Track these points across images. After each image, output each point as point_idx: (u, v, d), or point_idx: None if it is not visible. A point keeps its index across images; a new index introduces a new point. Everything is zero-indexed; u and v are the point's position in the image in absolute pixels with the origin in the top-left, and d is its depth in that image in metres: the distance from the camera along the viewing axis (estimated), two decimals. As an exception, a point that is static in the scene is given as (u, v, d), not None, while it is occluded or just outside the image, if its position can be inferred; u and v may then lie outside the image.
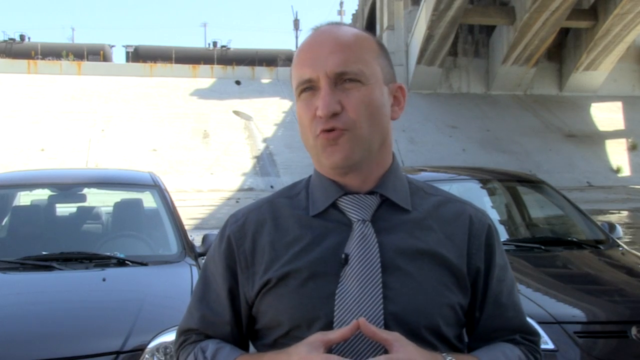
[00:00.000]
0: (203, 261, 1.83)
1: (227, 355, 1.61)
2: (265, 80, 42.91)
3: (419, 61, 40.67)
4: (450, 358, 1.51)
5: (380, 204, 1.64)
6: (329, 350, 1.46)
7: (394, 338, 1.44)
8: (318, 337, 1.45)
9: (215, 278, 1.70)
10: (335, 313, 1.51)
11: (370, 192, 1.64)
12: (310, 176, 1.74)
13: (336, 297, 1.52)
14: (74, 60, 43.31)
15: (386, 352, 1.44)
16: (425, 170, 7.78)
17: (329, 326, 1.50)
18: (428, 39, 38.81)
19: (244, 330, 1.69)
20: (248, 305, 1.64)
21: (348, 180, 1.63)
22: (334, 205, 1.64)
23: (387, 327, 1.49)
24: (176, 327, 1.80)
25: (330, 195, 1.64)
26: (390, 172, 1.67)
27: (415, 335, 1.50)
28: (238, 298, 1.66)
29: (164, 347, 3.62)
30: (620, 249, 6.19)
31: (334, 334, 1.45)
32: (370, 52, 1.61)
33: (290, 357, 1.46)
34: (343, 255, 1.55)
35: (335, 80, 1.55)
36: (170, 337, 3.55)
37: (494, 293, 1.67)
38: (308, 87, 1.58)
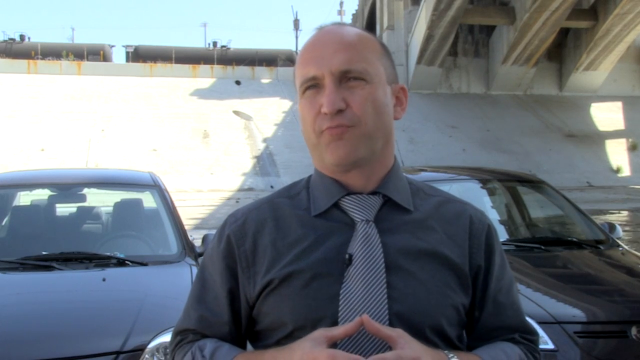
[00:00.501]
0: (201, 262, 1.82)
1: (226, 353, 1.60)
2: (265, 80, 42.92)
3: (419, 61, 40.68)
4: (452, 355, 1.51)
5: (382, 205, 1.64)
6: (333, 346, 1.45)
7: (398, 334, 1.43)
8: (322, 333, 1.44)
9: (214, 278, 1.69)
10: (339, 313, 1.51)
11: (373, 192, 1.64)
12: (310, 176, 1.74)
13: (340, 297, 1.52)
14: (74, 60, 43.32)
15: (391, 349, 1.44)
16: (425, 170, 7.78)
17: (333, 326, 1.50)
18: (428, 39, 38.81)
19: (243, 331, 1.68)
20: (249, 306, 1.64)
21: (350, 179, 1.63)
22: (336, 205, 1.64)
23: (391, 326, 1.49)
24: (174, 329, 1.79)
25: (333, 195, 1.64)
26: (392, 172, 1.68)
27: (419, 335, 1.50)
28: (238, 298, 1.65)
29: (164, 347, 3.61)
30: (620, 249, 6.19)
31: (338, 330, 1.44)
32: (374, 52, 1.63)
33: (293, 353, 1.45)
34: (347, 256, 1.55)
35: (339, 78, 1.56)
36: (170, 337, 3.55)
37: (493, 292, 1.67)
38: (312, 85, 1.59)
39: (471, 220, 1.69)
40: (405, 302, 1.53)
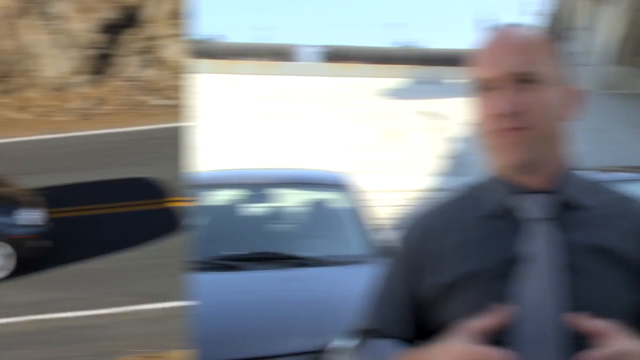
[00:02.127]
0: (384, 262, 1.88)
1: (390, 351, 1.64)
2: (450, 80, 42.58)
3: (613, 62, 38.92)
4: None
5: (556, 203, 1.61)
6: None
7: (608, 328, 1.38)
8: (471, 327, 1.43)
9: (391, 281, 1.74)
10: (515, 313, 1.49)
11: (545, 191, 1.61)
12: (481, 177, 1.74)
13: (515, 297, 1.50)
14: (262, 60, 44.62)
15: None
16: (621, 171, 7.46)
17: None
18: (623, 38, 37.11)
19: (416, 331, 1.69)
20: (422, 307, 1.66)
21: (522, 179, 1.62)
22: (507, 205, 1.62)
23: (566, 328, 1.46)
24: (356, 328, 1.84)
25: (504, 195, 1.63)
26: (566, 171, 1.65)
27: None
28: (413, 300, 1.68)
29: (345, 349, 3.67)
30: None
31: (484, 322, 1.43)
32: (548, 54, 1.62)
33: (431, 347, 1.48)
34: (520, 255, 1.54)
35: (514, 80, 1.56)
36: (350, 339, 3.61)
37: None
38: (486, 86, 1.59)
39: None
40: (582, 301, 1.48)
